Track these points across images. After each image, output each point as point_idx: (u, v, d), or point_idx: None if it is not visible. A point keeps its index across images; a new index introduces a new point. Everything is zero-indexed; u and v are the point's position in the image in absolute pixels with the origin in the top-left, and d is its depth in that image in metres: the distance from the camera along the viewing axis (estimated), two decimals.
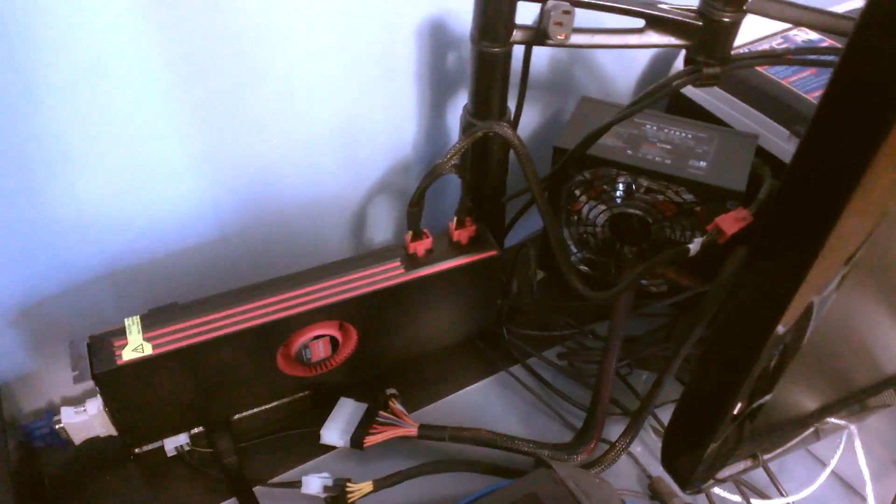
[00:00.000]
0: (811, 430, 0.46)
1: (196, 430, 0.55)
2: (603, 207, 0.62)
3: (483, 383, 0.61)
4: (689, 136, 0.61)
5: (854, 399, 0.41)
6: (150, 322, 0.48)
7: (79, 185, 0.49)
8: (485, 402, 0.60)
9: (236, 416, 0.56)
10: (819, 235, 0.27)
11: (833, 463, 0.49)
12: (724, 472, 0.44)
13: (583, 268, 0.68)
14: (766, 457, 0.46)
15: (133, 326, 0.48)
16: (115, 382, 0.47)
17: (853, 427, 0.44)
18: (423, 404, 0.59)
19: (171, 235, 0.56)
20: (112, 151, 0.49)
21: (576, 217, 0.64)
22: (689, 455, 0.37)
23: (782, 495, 0.51)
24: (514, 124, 0.58)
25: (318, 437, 0.55)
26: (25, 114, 0.44)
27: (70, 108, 0.45)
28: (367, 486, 0.52)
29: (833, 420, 0.42)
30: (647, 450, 0.56)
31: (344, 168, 0.61)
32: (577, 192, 0.63)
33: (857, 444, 0.44)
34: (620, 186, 0.61)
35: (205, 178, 0.54)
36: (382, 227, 0.67)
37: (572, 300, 0.61)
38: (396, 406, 0.57)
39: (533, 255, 0.62)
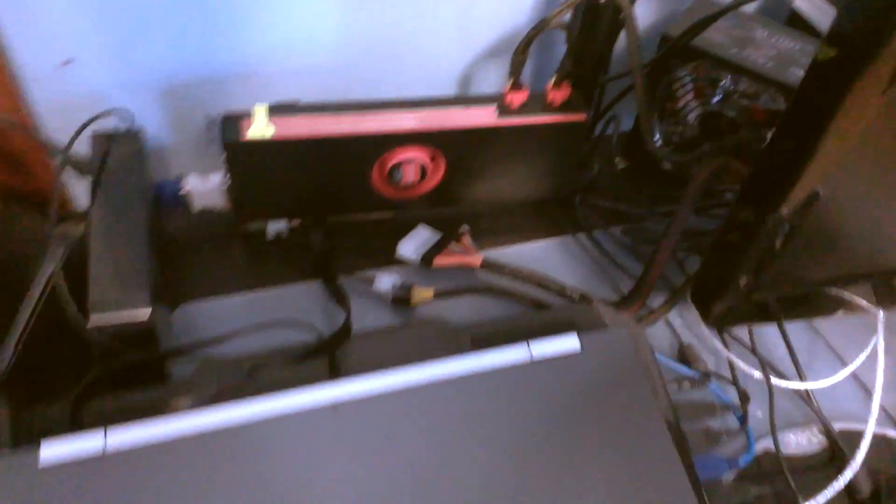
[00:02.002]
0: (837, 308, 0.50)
1: (294, 224, 0.64)
2: (696, 104, 0.65)
3: (548, 242, 0.67)
4: (797, 46, 0.62)
5: (879, 277, 0.44)
6: (275, 112, 0.56)
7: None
8: (546, 259, 0.66)
9: (330, 219, 0.64)
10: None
11: (857, 363, 0.52)
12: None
13: (666, 165, 0.71)
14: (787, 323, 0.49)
15: (260, 112, 0.56)
16: (237, 154, 0.55)
17: (881, 313, 0.47)
18: (490, 248, 0.65)
19: (301, 56, 0.63)
20: None
21: (669, 113, 0.67)
22: (715, 291, 0.42)
23: (801, 379, 0.54)
24: None
25: (395, 250, 0.63)
26: None
27: None
28: (428, 293, 0.59)
29: (861, 301, 0.46)
30: (684, 324, 0.61)
31: (461, 18, 0.65)
32: (676, 86, 0.65)
33: (880, 329, 0.47)
34: (720, 88, 0.63)
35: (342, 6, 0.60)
36: (490, 82, 0.72)
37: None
38: (467, 241, 0.64)
39: (616, 127, 0.66)
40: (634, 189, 0.70)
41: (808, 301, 0.47)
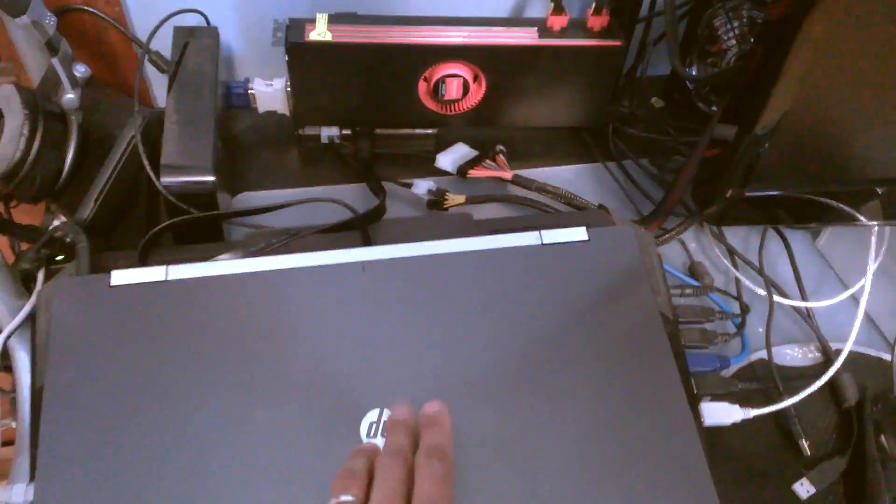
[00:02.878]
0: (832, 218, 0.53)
1: (346, 132, 0.69)
2: (735, 44, 0.68)
3: (579, 167, 0.71)
4: None
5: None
6: (335, 20, 0.62)
7: None
8: (575, 181, 0.70)
9: (378, 131, 0.70)
10: None
11: (858, 286, 0.55)
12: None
13: (700, 105, 0.74)
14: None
15: (322, 19, 0.62)
16: (299, 55, 0.61)
17: (876, 226, 0.50)
18: (523, 168, 0.70)
19: None
20: None
21: (710, 54, 0.70)
22: (708, 198, 0.46)
23: (803, 299, 0.57)
24: None
25: (435, 161, 0.68)
26: None
27: None
28: (460, 198, 0.64)
29: (859, 217, 0.49)
30: (699, 247, 0.64)
31: None
32: (717, 26, 0.68)
33: (872, 242, 0.50)
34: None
35: None
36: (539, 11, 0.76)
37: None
38: (501, 158, 0.68)
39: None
40: (668, 125, 0.73)
41: (803, 209, 0.50)
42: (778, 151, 0.44)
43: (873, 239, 0.51)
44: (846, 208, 0.48)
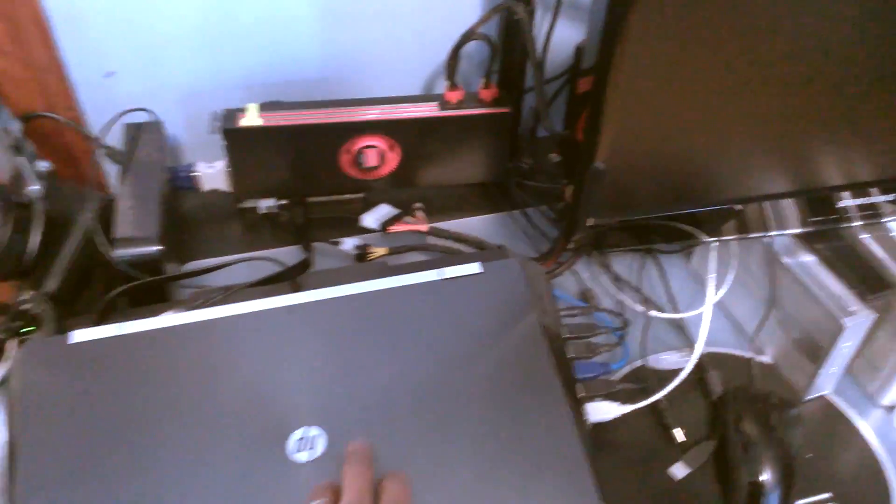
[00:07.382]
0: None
1: (281, 202, 0.79)
2: None
3: (488, 216, 0.81)
4: None
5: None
6: (264, 108, 0.72)
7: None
8: (485, 229, 0.79)
9: (310, 199, 0.80)
10: None
11: (719, 294, 0.64)
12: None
13: None
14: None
15: (253, 108, 0.72)
16: (234, 139, 0.71)
17: (715, 243, 0.59)
18: (440, 221, 0.79)
19: (291, 69, 0.80)
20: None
21: None
22: (572, 229, 0.56)
23: (675, 311, 0.67)
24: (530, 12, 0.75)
25: (360, 221, 0.77)
26: None
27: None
28: (382, 250, 0.74)
29: (700, 236, 0.59)
30: (591, 277, 0.74)
31: (418, 37, 0.81)
32: None
33: (711, 257, 0.59)
34: None
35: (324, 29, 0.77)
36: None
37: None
38: (419, 214, 0.78)
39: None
40: (563, 176, 0.83)
41: (662, 232, 0.61)
42: (617, 185, 0.54)
43: (712, 253, 0.61)
44: (685, 227, 0.58)
